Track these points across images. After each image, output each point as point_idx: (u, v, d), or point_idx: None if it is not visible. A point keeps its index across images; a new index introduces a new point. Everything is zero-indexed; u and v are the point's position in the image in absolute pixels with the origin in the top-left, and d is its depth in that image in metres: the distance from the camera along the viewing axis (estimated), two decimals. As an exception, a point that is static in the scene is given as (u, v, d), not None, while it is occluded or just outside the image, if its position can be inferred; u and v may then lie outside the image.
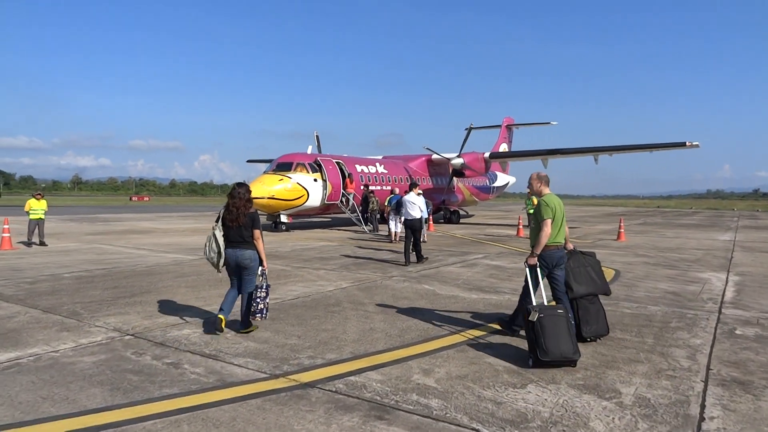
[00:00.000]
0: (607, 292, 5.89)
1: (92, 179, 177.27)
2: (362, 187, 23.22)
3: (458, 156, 26.87)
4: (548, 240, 5.43)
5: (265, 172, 21.81)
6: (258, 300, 5.77)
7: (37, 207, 14.84)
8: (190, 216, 34.07)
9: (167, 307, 7.11)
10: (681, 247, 16.80)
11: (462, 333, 6.03)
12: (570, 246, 5.83)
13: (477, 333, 6.03)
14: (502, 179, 38.22)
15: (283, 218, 21.20)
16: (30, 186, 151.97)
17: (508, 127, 39.91)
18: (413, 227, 11.96)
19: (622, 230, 19.39)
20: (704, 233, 23.37)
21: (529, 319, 4.90)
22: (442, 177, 29.16)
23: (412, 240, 11.94)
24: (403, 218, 12.51)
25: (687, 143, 22.71)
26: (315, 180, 21.68)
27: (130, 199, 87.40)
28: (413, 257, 11.98)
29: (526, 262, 5.59)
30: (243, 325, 5.87)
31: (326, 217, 29.13)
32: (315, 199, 21.66)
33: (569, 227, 24.81)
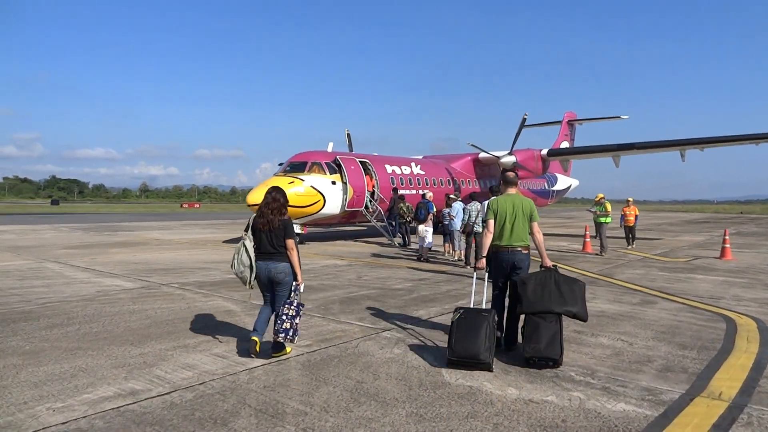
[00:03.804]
0: (578, 315, 4.94)
1: (161, 187, 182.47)
2: (392, 192, 19.46)
3: (509, 153, 22.62)
4: (494, 241, 5.48)
5: (275, 174, 18.49)
6: (283, 318, 5.06)
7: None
8: (217, 225, 31.38)
9: None
10: (823, 270, 11.98)
11: None
12: (548, 263, 5.28)
13: None
14: (563, 182, 33.51)
15: (296, 228, 17.70)
16: (102, 194, 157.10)
17: (570, 124, 35.09)
18: None
19: (727, 245, 14.60)
20: (833, 248, 17.98)
21: (451, 319, 4.97)
22: (490, 179, 24.94)
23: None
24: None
25: (809, 131, 17.56)
26: (333, 183, 18.11)
27: (181, 206, 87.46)
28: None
29: (475, 266, 5.74)
30: (275, 347, 5.18)
31: (362, 225, 25.11)
32: (333, 206, 18.08)
33: (644, 237, 19.72)
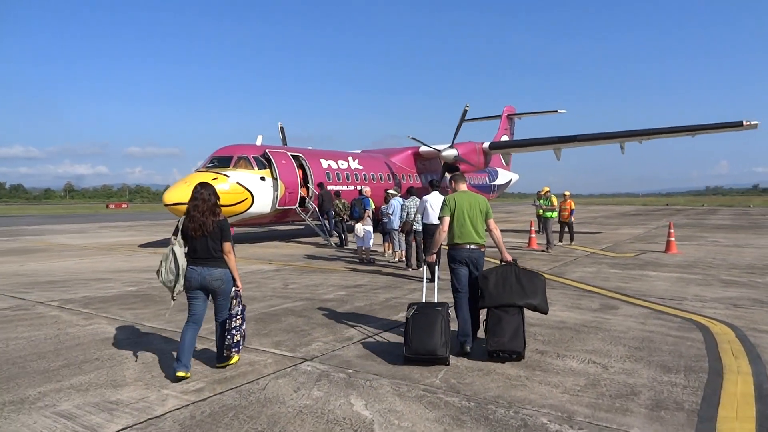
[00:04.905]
0: (539, 308, 4.95)
1: (89, 187, 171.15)
2: (318, 187, 18.00)
3: (450, 146, 21.74)
4: (453, 239, 5.31)
5: (197, 170, 16.68)
6: (233, 332, 4.63)
7: None
8: (140, 226, 28.90)
9: None
10: (769, 263, 11.68)
11: None
12: (507, 257, 5.24)
13: None
14: (504, 176, 33.23)
15: (224, 229, 15.98)
16: (21, 194, 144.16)
17: (509, 117, 34.90)
18: (430, 234, 9.28)
19: (672, 238, 14.22)
20: (765, 238, 18.20)
21: (405, 315, 4.89)
22: (431, 174, 24.03)
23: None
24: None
25: (744, 123, 17.69)
26: (262, 179, 16.52)
27: (107, 206, 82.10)
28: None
29: (425, 260, 5.72)
30: (219, 358, 4.73)
31: (299, 225, 23.17)
32: (263, 204, 16.48)
33: (586, 231, 19.28)
